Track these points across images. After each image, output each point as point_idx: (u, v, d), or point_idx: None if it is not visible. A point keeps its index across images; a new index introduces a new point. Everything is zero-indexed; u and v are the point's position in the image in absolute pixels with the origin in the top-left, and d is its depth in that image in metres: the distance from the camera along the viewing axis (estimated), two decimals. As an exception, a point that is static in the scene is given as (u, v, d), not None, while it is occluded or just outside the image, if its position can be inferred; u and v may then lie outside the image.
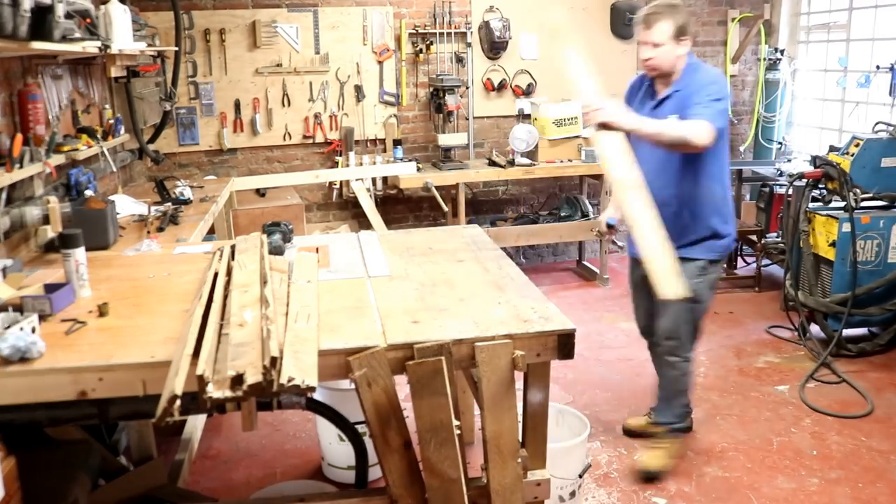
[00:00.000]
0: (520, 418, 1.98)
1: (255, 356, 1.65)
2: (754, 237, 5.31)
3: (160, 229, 3.30)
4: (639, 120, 2.60)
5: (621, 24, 5.85)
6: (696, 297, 2.76)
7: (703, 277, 2.88)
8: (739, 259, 5.67)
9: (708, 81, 2.71)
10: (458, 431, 1.88)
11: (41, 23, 2.45)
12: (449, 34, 5.57)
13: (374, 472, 2.99)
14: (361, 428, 2.82)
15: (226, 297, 2.08)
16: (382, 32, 5.48)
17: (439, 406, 1.84)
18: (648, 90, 2.92)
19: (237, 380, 1.57)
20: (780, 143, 5.99)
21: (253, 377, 1.57)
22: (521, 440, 2.00)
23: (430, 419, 1.85)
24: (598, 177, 5.46)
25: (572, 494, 2.66)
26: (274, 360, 1.61)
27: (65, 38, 2.69)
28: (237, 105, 5.34)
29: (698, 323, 3.01)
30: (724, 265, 3.03)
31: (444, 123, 5.36)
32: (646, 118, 2.66)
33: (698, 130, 2.57)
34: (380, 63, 5.52)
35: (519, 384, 1.92)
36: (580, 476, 2.67)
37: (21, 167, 2.69)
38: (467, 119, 5.70)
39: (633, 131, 2.56)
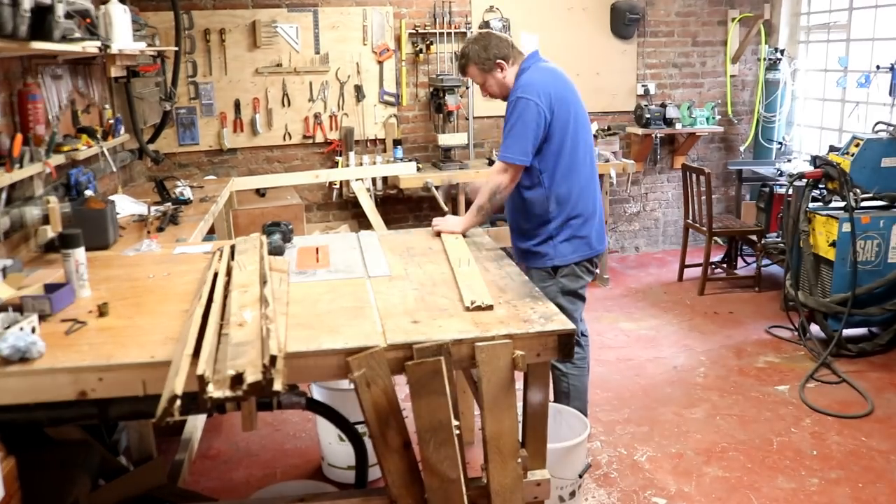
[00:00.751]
0: (520, 418, 1.98)
1: (255, 355, 1.65)
2: (754, 237, 5.31)
3: (160, 229, 3.30)
4: (465, 221, 2.89)
5: (621, 24, 5.86)
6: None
7: (549, 282, 2.90)
8: (740, 259, 5.68)
9: (513, 99, 2.78)
10: (458, 431, 1.88)
11: (41, 23, 2.45)
12: (449, 34, 5.57)
13: (374, 472, 2.99)
14: (361, 428, 2.83)
15: (225, 297, 2.08)
16: (382, 32, 5.48)
17: (438, 406, 1.83)
18: None
19: (237, 379, 1.57)
20: (780, 143, 5.99)
21: (252, 376, 1.57)
22: (521, 440, 2.00)
23: (429, 419, 1.85)
24: (599, 176, 5.46)
25: (572, 494, 2.66)
26: (273, 359, 1.61)
27: (65, 38, 2.69)
28: (237, 105, 5.34)
29: None
30: (586, 271, 2.95)
31: (444, 123, 5.36)
32: (467, 216, 2.88)
33: (497, 176, 2.80)
34: (380, 63, 5.52)
35: (519, 384, 1.92)
36: (580, 476, 2.67)
37: (21, 167, 2.69)
38: (467, 119, 5.70)
39: (466, 229, 2.90)
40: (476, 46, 2.86)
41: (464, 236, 2.87)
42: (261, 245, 2.45)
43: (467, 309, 2.04)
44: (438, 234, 2.88)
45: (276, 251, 2.59)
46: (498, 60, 2.84)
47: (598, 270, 2.95)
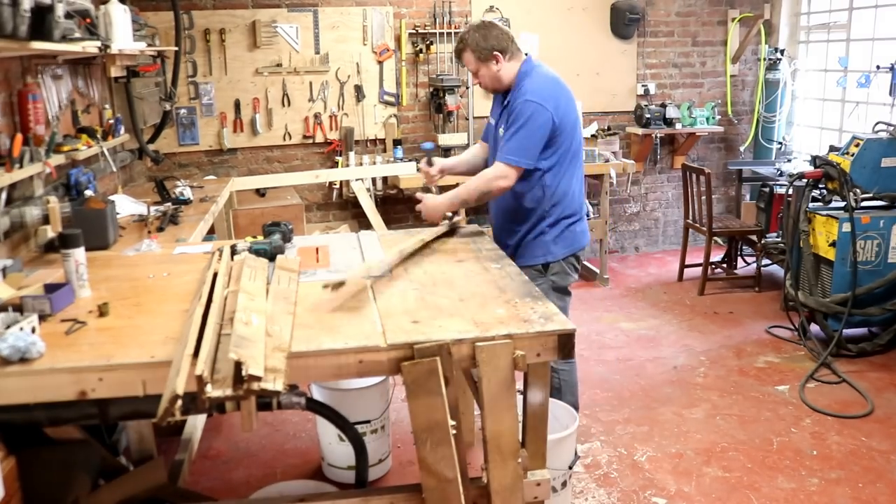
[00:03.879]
0: (520, 418, 1.98)
1: (258, 352, 1.66)
2: (754, 237, 5.31)
3: (160, 229, 3.30)
4: (445, 202, 2.91)
5: (621, 24, 5.86)
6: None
7: (539, 280, 2.88)
8: (740, 259, 5.68)
9: (521, 102, 2.75)
10: (454, 431, 1.88)
11: (41, 23, 2.45)
12: (449, 34, 5.57)
13: (374, 472, 3.00)
14: (361, 428, 2.84)
15: (226, 297, 2.08)
16: (382, 32, 5.48)
17: (435, 406, 1.83)
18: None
19: (237, 369, 1.56)
20: (780, 143, 5.99)
21: (254, 369, 1.57)
22: (521, 440, 2.00)
23: (425, 419, 1.85)
24: (598, 176, 5.47)
25: (563, 485, 2.69)
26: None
27: (65, 38, 2.69)
28: (237, 105, 5.34)
29: None
30: (573, 268, 2.97)
31: (444, 123, 5.37)
32: (447, 199, 2.91)
33: (494, 181, 2.78)
34: (380, 63, 5.52)
35: (519, 384, 1.92)
36: (570, 468, 2.69)
37: (21, 167, 2.69)
38: (467, 119, 5.70)
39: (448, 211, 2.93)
40: (476, 34, 2.84)
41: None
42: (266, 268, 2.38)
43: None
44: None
45: (276, 251, 2.59)
46: (495, 52, 2.81)
47: (580, 267, 3.02)
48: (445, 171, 3.18)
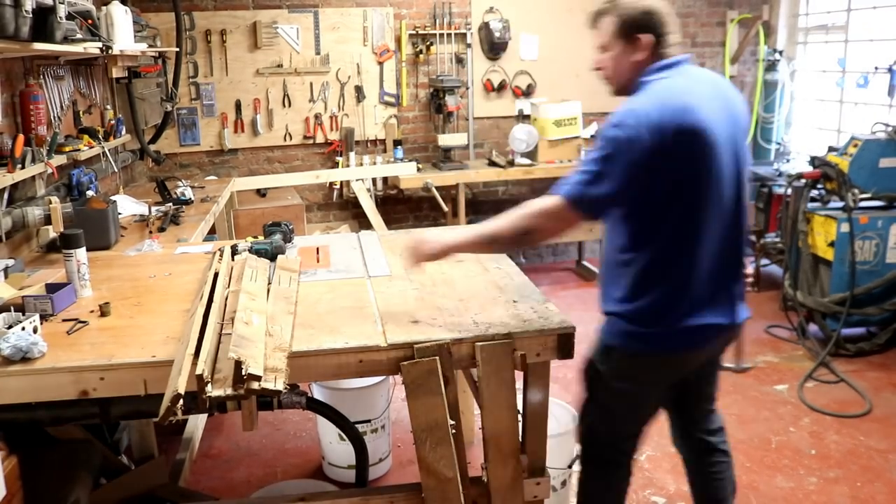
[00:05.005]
0: (520, 418, 1.99)
1: (258, 352, 1.67)
2: (753, 237, 5.32)
3: (161, 229, 3.31)
4: (459, 240, 2.01)
5: (621, 25, 5.85)
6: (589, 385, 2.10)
7: (604, 364, 2.02)
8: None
9: (611, 120, 1.85)
10: (454, 431, 1.89)
11: (43, 24, 2.46)
12: (449, 35, 5.58)
13: (375, 472, 3.01)
14: (361, 427, 2.84)
15: (226, 297, 2.09)
16: (383, 33, 5.49)
17: (434, 406, 1.84)
18: None
19: (237, 368, 1.57)
20: (778, 143, 6.00)
21: (254, 368, 1.58)
22: (521, 440, 2.01)
23: (425, 419, 1.86)
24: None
25: (563, 484, 2.70)
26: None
27: (66, 39, 2.70)
28: (238, 105, 5.35)
29: (595, 429, 2.14)
30: (649, 368, 1.98)
31: (445, 124, 5.37)
32: (467, 235, 2.00)
33: (538, 217, 1.87)
34: (380, 64, 5.53)
35: (519, 384, 1.93)
36: (569, 466, 2.70)
37: (23, 167, 2.70)
38: (467, 119, 5.71)
39: (452, 251, 2.04)
40: (635, 6, 1.90)
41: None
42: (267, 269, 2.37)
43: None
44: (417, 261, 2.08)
45: (276, 251, 2.60)
46: (640, 34, 1.89)
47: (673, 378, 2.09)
48: None
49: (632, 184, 1.79)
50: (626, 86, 1.99)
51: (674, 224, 1.85)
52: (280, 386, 1.61)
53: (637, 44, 1.92)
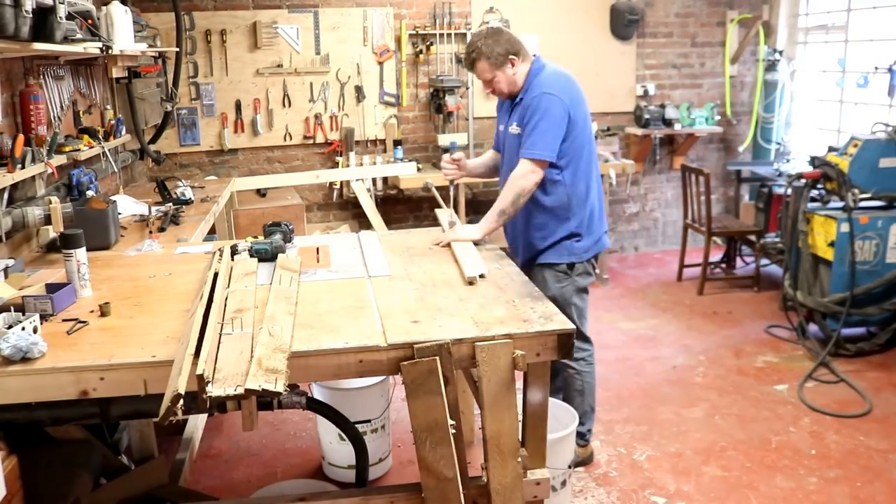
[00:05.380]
0: (520, 418, 1.99)
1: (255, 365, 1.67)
2: (753, 237, 5.32)
3: (161, 229, 3.31)
4: (483, 225, 2.78)
5: (621, 25, 5.86)
6: (559, 300, 2.78)
7: (565, 282, 2.88)
8: (739, 259, 5.69)
9: (536, 97, 2.72)
10: (454, 431, 1.89)
11: (43, 24, 2.46)
12: (449, 35, 5.58)
13: (374, 472, 3.01)
14: (361, 427, 2.84)
15: (226, 297, 2.09)
16: (383, 33, 5.49)
17: (434, 406, 1.84)
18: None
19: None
20: (778, 143, 6.00)
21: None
22: (520, 439, 2.01)
23: (425, 419, 1.86)
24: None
25: (563, 484, 2.70)
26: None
27: (66, 39, 2.70)
28: (238, 105, 5.35)
29: (582, 324, 2.96)
30: (592, 268, 2.96)
31: (445, 124, 5.38)
32: (485, 221, 2.78)
33: (522, 179, 2.72)
34: (380, 64, 5.53)
35: (519, 384, 1.93)
36: (570, 467, 2.71)
37: (23, 167, 2.70)
38: (467, 119, 5.71)
39: (486, 235, 2.79)
40: (488, 41, 2.78)
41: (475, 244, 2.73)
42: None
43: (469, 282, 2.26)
44: (447, 244, 2.74)
45: (276, 251, 2.60)
46: (510, 56, 2.78)
47: (598, 269, 2.95)
48: (464, 169, 3.17)
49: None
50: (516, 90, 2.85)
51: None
52: (280, 388, 1.61)
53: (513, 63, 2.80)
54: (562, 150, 2.75)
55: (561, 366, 2.99)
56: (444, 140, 5.32)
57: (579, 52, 5.85)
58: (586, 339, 3.01)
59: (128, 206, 3.60)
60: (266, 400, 2.04)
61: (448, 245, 2.72)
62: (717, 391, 3.76)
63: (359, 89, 5.50)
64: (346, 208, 5.71)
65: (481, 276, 2.35)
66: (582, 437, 3.08)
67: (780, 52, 5.93)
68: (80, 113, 3.67)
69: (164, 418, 1.54)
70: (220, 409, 1.90)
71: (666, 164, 6.36)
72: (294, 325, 1.94)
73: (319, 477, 3.06)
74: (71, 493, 2.07)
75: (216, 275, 2.28)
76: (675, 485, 2.96)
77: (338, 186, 5.61)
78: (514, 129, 2.84)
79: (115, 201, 3.14)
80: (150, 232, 3.23)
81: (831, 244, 4.09)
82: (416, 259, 2.62)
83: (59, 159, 3.08)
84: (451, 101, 5.21)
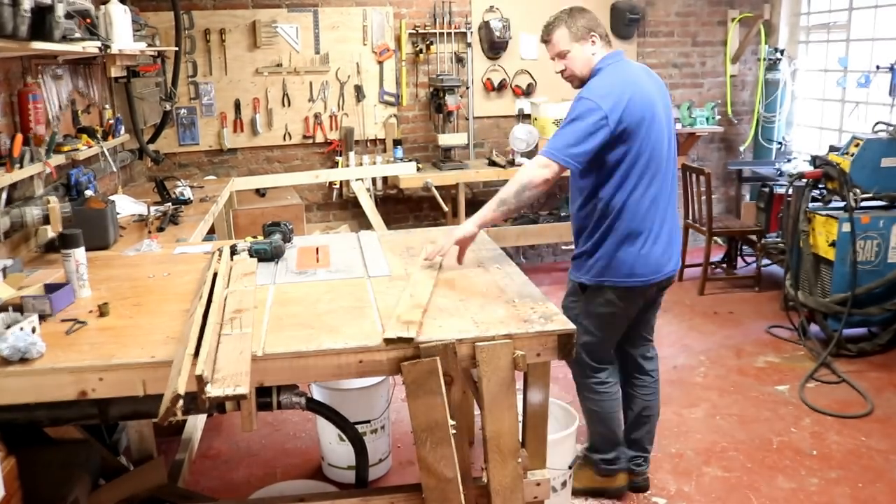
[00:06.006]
0: (520, 418, 1.98)
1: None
2: (754, 237, 5.31)
3: (160, 229, 3.30)
4: (478, 216, 2.46)
5: (621, 25, 5.86)
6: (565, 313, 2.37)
7: (574, 297, 2.71)
8: (740, 259, 5.68)
9: (577, 98, 2.44)
10: (455, 431, 1.88)
11: (41, 23, 2.45)
12: (449, 34, 5.57)
13: (374, 472, 3.00)
14: (361, 428, 2.84)
15: (226, 297, 2.08)
16: (382, 32, 5.48)
17: (434, 406, 1.84)
18: None
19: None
20: (780, 143, 6.00)
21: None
22: (521, 440, 2.00)
23: (425, 419, 1.85)
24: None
25: (564, 484, 2.70)
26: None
27: (65, 39, 2.69)
28: (237, 105, 5.34)
29: (588, 350, 2.69)
30: (630, 303, 2.61)
31: (444, 123, 5.37)
32: (481, 211, 2.46)
33: (531, 171, 2.39)
34: (380, 63, 5.52)
35: (519, 384, 1.92)
36: (570, 467, 2.70)
37: (21, 167, 2.70)
38: (467, 119, 5.70)
39: (482, 228, 2.51)
40: (573, 14, 2.52)
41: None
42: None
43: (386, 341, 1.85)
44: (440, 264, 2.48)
45: (276, 251, 2.60)
46: (591, 33, 2.50)
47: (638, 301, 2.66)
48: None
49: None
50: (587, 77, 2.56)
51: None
52: (412, 334, 1.83)
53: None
54: (600, 160, 2.43)
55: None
56: (444, 140, 5.30)
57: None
58: (599, 366, 2.74)
59: (127, 206, 3.60)
60: (265, 400, 2.04)
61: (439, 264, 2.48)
62: (718, 391, 3.75)
63: (358, 89, 5.50)
64: (346, 208, 5.70)
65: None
66: (596, 466, 2.86)
67: (782, 52, 5.92)
68: (79, 112, 3.66)
69: (164, 419, 1.54)
70: (220, 409, 1.90)
71: (666, 163, 6.34)
72: (434, 287, 2.20)
73: (319, 477, 3.05)
74: (70, 494, 2.06)
75: (215, 275, 2.27)
76: (676, 485, 2.96)
77: (337, 186, 5.60)
78: None
79: (113, 201, 3.13)
80: (149, 232, 3.23)
81: (832, 244, 4.08)
82: (416, 259, 2.61)
83: (58, 159, 3.07)
84: (451, 101, 5.21)
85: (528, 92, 5.75)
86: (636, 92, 2.42)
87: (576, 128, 2.37)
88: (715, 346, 4.33)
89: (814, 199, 4.29)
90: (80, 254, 2.25)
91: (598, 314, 2.62)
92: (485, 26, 5.56)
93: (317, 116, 5.47)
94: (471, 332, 1.89)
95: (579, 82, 2.55)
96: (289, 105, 5.41)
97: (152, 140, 4.70)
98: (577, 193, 2.59)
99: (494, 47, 5.61)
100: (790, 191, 4.39)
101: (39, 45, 2.48)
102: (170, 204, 3.69)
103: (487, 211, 2.44)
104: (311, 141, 5.51)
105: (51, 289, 2.15)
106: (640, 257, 2.50)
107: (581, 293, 2.65)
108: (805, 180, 4.27)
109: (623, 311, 2.62)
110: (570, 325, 1.95)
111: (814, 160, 4.36)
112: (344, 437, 2.49)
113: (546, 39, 2.57)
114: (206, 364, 1.63)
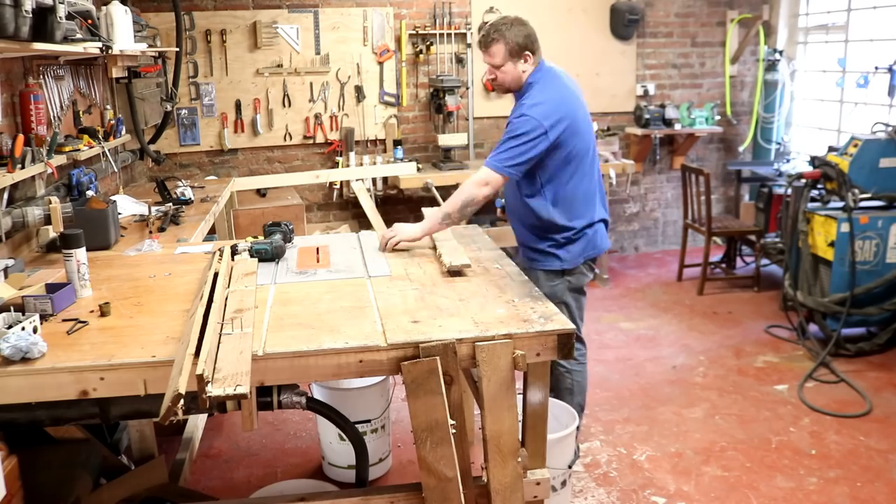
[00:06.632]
0: (520, 418, 1.99)
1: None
2: (753, 237, 5.32)
3: (161, 229, 3.31)
4: (425, 225, 2.73)
5: (621, 25, 5.86)
6: (551, 298, 2.60)
7: (556, 280, 2.86)
8: (739, 259, 5.69)
9: (520, 116, 2.66)
10: (455, 431, 1.89)
11: (43, 24, 2.46)
12: (449, 35, 5.58)
13: (375, 472, 3.01)
14: (361, 427, 2.84)
15: (226, 297, 2.09)
16: (383, 33, 5.49)
17: (435, 406, 1.84)
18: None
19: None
20: (778, 143, 6.00)
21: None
22: (521, 439, 2.01)
23: (425, 419, 1.86)
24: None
25: (563, 484, 2.70)
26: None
27: (66, 39, 2.70)
28: (238, 105, 5.35)
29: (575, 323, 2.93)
30: (589, 269, 2.92)
31: (445, 124, 5.37)
32: (427, 220, 2.74)
33: (475, 187, 2.65)
34: (380, 63, 5.53)
35: (519, 384, 1.93)
36: (569, 467, 2.71)
37: (23, 167, 2.70)
38: (467, 119, 5.71)
39: (426, 235, 2.75)
40: (513, 28, 2.74)
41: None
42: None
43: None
44: (393, 248, 2.73)
45: (277, 251, 2.60)
46: (526, 52, 2.73)
47: (598, 269, 2.90)
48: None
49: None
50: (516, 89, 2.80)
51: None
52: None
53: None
54: (543, 166, 2.70)
55: (552, 363, 2.98)
56: (444, 140, 5.31)
57: (579, 52, 5.85)
58: (579, 339, 3.00)
59: (128, 206, 3.60)
60: (266, 400, 2.05)
61: (394, 249, 2.73)
62: (717, 391, 3.76)
63: (359, 89, 5.50)
64: (346, 208, 5.71)
65: (465, 265, 2.40)
66: None
67: (781, 52, 5.93)
68: (80, 113, 3.67)
69: (165, 418, 1.54)
70: (220, 409, 1.91)
71: (666, 164, 6.36)
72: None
73: (319, 477, 3.06)
74: (71, 494, 2.07)
75: (216, 275, 2.28)
76: (676, 485, 2.96)
77: (338, 186, 5.61)
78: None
79: (114, 201, 3.14)
80: (150, 232, 3.23)
81: (831, 244, 4.09)
82: (416, 259, 2.62)
83: (59, 159, 3.07)
84: (451, 101, 5.21)
85: (527, 92, 5.75)
86: (569, 103, 2.73)
87: (519, 142, 2.62)
88: (714, 345, 4.34)
89: (812, 200, 4.30)
90: (81, 254, 2.26)
91: (578, 286, 2.92)
92: (484, 27, 5.56)
93: (317, 117, 5.48)
94: (471, 332, 1.90)
95: (505, 91, 2.83)
96: (289, 105, 5.42)
97: (153, 140, 4.71)
98: (516, 193, 2.83)
99: (494, 48, 5.60)
100: (789, 191, 4.40)
101: (41, 46, 2.48)
102: (171, 204, 3.70)
103: (433, 222, 2.71)
104: (311, 141, 5.52)
105: (52, 289, 2.16)
106: (595, 233, 2.87)
107: (561, 275, 2.87)
108: (804, 180, 4.28)
109: (590, 276, 2.97)
110: (570, 325, 1.95)
111: (812, 160, 4.37)
112: (344, 436, 2.50)
113: (483, 48, 2.80)
114: (206, 364, 1.63)
